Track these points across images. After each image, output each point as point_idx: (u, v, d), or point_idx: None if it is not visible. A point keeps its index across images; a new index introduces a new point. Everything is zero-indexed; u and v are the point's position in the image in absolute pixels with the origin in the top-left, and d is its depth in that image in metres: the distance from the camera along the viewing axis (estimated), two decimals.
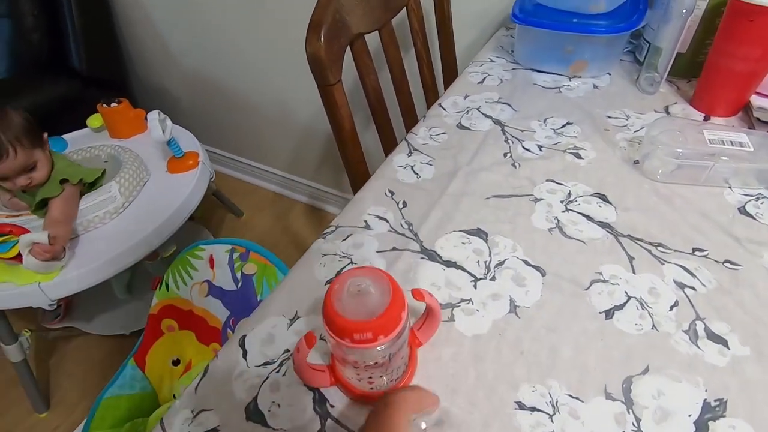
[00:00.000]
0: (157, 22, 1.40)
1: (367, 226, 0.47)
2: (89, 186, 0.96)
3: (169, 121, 1.03)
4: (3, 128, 0.79)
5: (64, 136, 1.19)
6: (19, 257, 0.82)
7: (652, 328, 0.36)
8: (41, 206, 0.87)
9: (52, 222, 0.84)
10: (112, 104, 1.14)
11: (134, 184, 1.00)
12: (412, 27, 0.75)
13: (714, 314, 0.37)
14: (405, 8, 0.73)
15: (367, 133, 0.83)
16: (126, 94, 1.43)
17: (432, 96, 0.82)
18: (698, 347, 0.35)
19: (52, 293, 0.86)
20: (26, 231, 0.82)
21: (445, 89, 0.70)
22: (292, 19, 1.14)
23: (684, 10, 0.56)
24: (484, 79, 0.70)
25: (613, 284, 0.40)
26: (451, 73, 0.86)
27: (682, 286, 0.39)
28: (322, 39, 0.51)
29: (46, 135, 0.89)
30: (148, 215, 0.96)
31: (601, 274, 0.41)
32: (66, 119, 1.21)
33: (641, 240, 0.43)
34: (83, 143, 1.15)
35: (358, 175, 0.64)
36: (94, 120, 1.20)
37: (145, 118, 1.04)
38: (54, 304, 0.89)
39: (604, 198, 0.48)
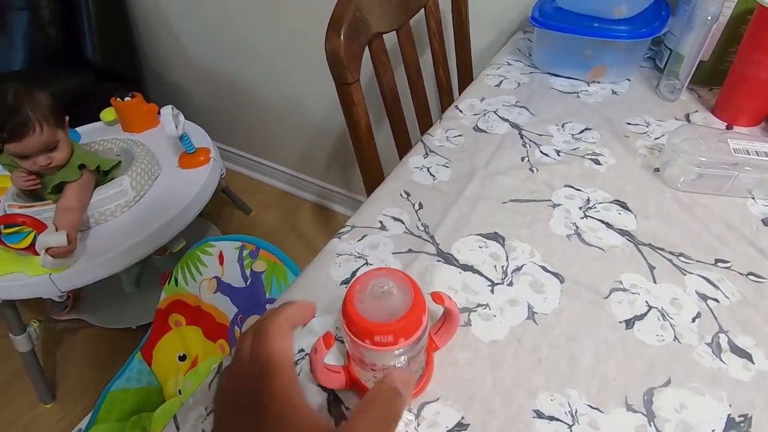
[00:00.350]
0: (172, 18, 1.41)
1: (383, 227, 0.47)
2: (103, 175, 0.97)
3: (181, 117, 1.04)
4: (32, 106, 0.81)
5: (77, 128, 1.20)
6: (30, 248, 0.82)
7: (674, 340, 0.36)
8: (57, 191, 0.88)
9: (65, 208, 0.85)
10: (126, 98, 1.15)
11: (146, 178, 1.00)
12: (429, 28, 0.74)
13: (738, 327, 0.36)
14: (423, 9, 0.72)
15: (381, 134, 0.83)
16: (140, 88, 1.44)
17: (447, 97, 0.82)
18: (722, 361, 0.34)
19: (62, 285, 0.87)
20: (39, 222, 0.82)
21: (460, 91, 0.69)
22: (306, 18, 1.14)
23: (708, 17, 0.55)
24: (501, 82, 0.69)
25: (633, 293, 0.39)
26: (466, 75, 0.86)
27: (704, 297, 0.39)
28: (342, 37, 0.51)
29: (67, 118, 0.90)
30: (159, 210, 0.97)
31: (621, 282, 0.40)
32: (79, 112, 1.21)
33: (662, 249, 0.43)
34: (96, 136, 1.15)
35: (372, 175, 0.64)
36: (108, 113, 1.20)
37: (158, 112, 1.04)
38: (63, 295, 0.90)
39: (623, 205, 0.47)
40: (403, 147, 0.71)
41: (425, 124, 0.76)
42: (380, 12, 0.60)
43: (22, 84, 1.24)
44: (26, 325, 1.02)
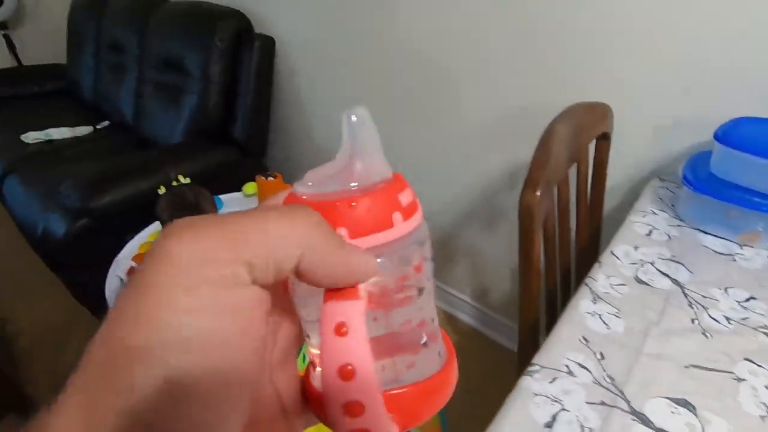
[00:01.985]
0: (305, 113, 1.63)
1: (570, 372, 0.51)
2: None
3: None
4: (204, 201, 0.96)
5: (220, 196, 1.37)
6: None
7: None
8: None
9: None
10: (269, 178, 1.32)
11: None
12: (579, 171, 0.83)
13: None
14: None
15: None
16: (264, 163, 1.64)
17: (583, 230, 0.88)
18: None
19: None
20: None
21: (591, 226, 0.75)
22: (458, 132, 1.27)
23: None
24: (650, 231, 0.74)
25: None
26: (596, 212, 0.92)
27: None
28: (539, 193, 0.59)
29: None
30: None
31: None
32: (221, 183, 1.40)
33: None
34: (235, 206, 1.31)
35: (530, 313, 0.69)
36: (249, 187, 1.37)
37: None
38: None
39: None
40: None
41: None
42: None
43: (181, 154, 1.47)
44: None
